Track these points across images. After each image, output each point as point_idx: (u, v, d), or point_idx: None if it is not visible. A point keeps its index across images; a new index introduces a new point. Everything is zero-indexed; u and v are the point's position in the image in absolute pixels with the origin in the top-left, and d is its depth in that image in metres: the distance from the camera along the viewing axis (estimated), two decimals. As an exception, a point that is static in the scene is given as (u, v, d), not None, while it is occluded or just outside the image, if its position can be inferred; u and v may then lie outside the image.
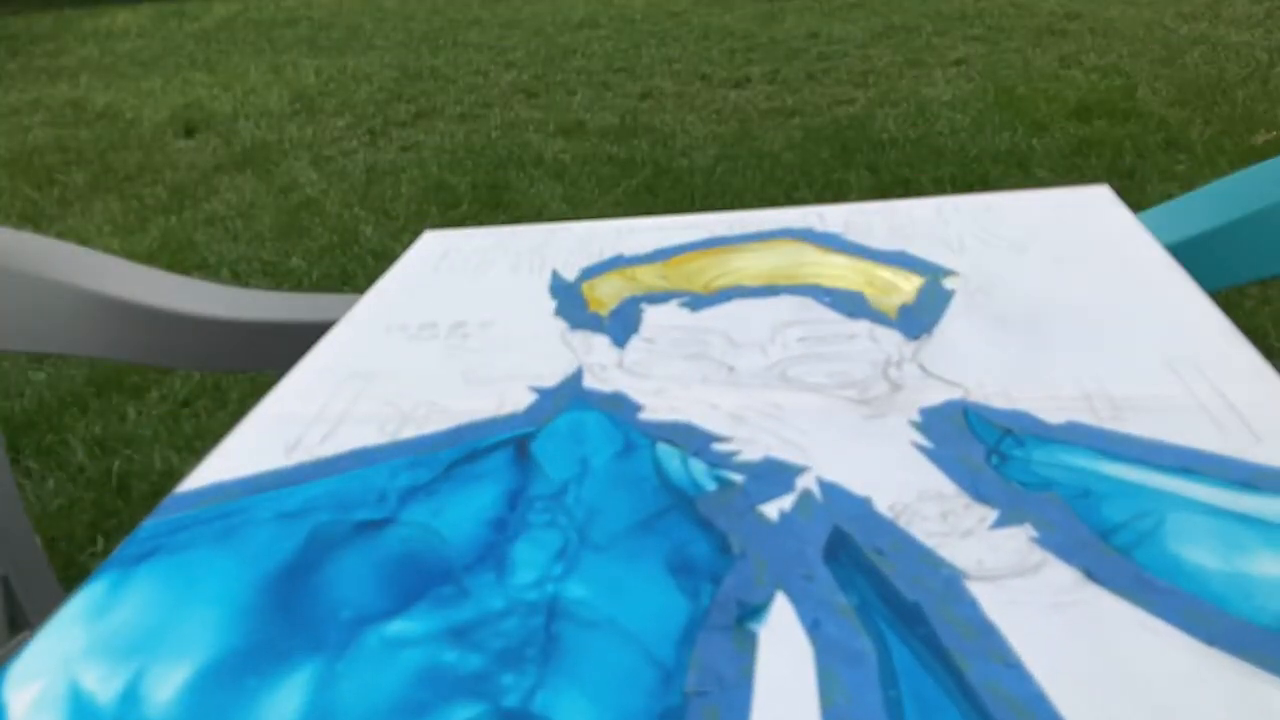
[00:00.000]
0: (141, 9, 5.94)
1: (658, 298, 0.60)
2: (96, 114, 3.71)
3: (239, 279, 2.20)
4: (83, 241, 2.43)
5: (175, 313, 0.78)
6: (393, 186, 2.67)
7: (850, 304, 0.56)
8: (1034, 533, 0.36)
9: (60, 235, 2.56)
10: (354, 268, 2.16)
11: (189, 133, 3.36)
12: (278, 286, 2.12)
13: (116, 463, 1.49)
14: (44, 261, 0.76)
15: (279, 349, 0.77)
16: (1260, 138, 2.31)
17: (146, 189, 2.83)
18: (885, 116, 2.79)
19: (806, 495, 0.40)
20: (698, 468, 0.43)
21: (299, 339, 0.60)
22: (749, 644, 0.33)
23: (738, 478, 0.42)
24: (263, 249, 2.33)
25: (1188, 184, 2.09)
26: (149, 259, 2.31)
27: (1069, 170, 2.29)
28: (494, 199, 2.51)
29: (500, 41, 4.39)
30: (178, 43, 4.95)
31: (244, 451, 0.49)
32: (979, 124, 2.64)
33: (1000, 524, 0.37)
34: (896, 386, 0.47)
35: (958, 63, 3.27)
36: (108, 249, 2.38)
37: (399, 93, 3.67)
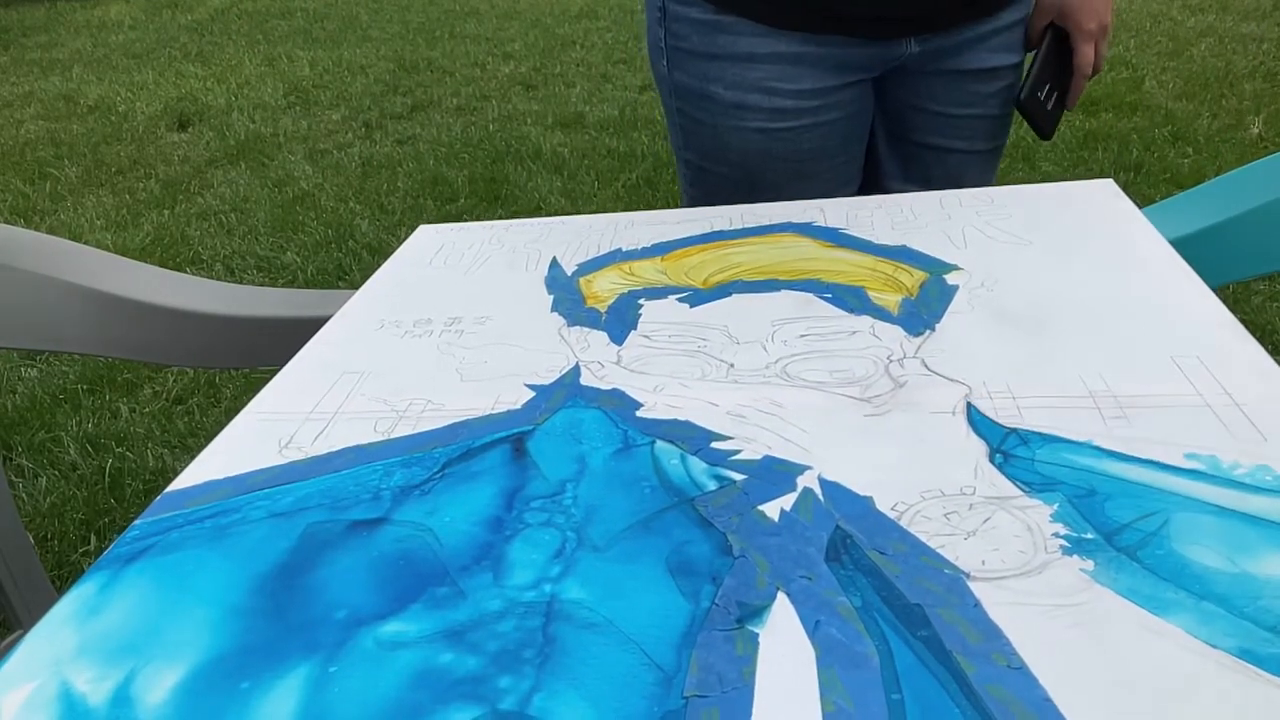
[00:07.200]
0: (135, 0, 5.90)
1: (656, 293, 0.60)
2: (89, 107, 3.68)
3: (233, 274, 2.18)
4: (75, 236, 2.42)
5: (168, 309, 0.78)
6: (389, 180, 2.66)
7: (852, 299, 0.55)
8: (1038, 533, 0.36)
9: (52, 230, 2.54)
10: (349, 263, 2.15)
11: (182, 126, 3.34)
12: (272, 282, 2.11)
13: (109, 460, 1.48)
14: (35, 257, 0.76)
15: (273, 345, 0.76)
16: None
17: (139, 183, 2.82)
18: (887, 109, 2.77)
19: (808, 495, 0.39)
20: (697, 467, 0.42)
21: (293, 335, 0.60)
22: (750, 646, 0.32)
23: (738, 477, 0.41)
24: (257, 244, 2.32)
25: (1194, 177, 2.08)
26: (142, 254, 2.30)
27: (1074, 164, 2.27)
28: (492, 193, 2.50)
29: (498, 33, 4.36)
30: (171, 35, 4.91)
31: (235, 450, 0.48)
32: (983, 117, 2.62)
33: (1004, 524, 0.36)
34: (899, 384, 0.46)
35: (961, 55, 3.24)
36: (100, 244, 2.37)
37: (395, 85, 3.65)
